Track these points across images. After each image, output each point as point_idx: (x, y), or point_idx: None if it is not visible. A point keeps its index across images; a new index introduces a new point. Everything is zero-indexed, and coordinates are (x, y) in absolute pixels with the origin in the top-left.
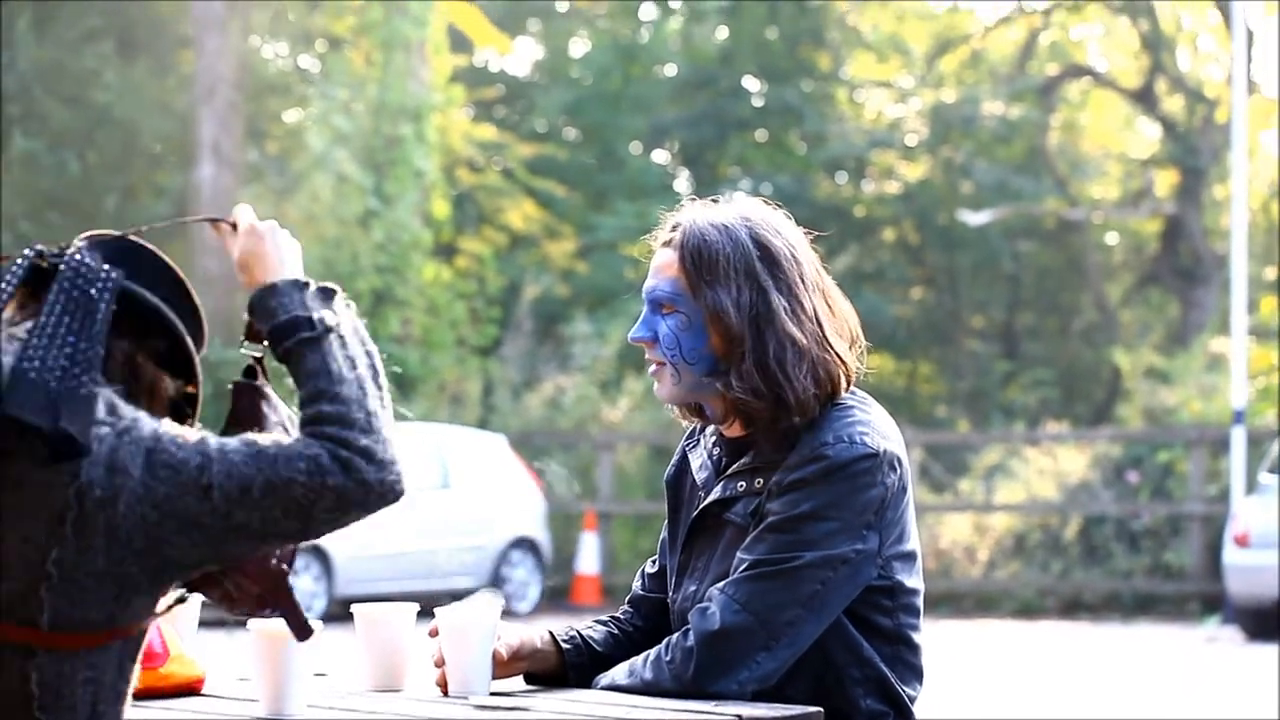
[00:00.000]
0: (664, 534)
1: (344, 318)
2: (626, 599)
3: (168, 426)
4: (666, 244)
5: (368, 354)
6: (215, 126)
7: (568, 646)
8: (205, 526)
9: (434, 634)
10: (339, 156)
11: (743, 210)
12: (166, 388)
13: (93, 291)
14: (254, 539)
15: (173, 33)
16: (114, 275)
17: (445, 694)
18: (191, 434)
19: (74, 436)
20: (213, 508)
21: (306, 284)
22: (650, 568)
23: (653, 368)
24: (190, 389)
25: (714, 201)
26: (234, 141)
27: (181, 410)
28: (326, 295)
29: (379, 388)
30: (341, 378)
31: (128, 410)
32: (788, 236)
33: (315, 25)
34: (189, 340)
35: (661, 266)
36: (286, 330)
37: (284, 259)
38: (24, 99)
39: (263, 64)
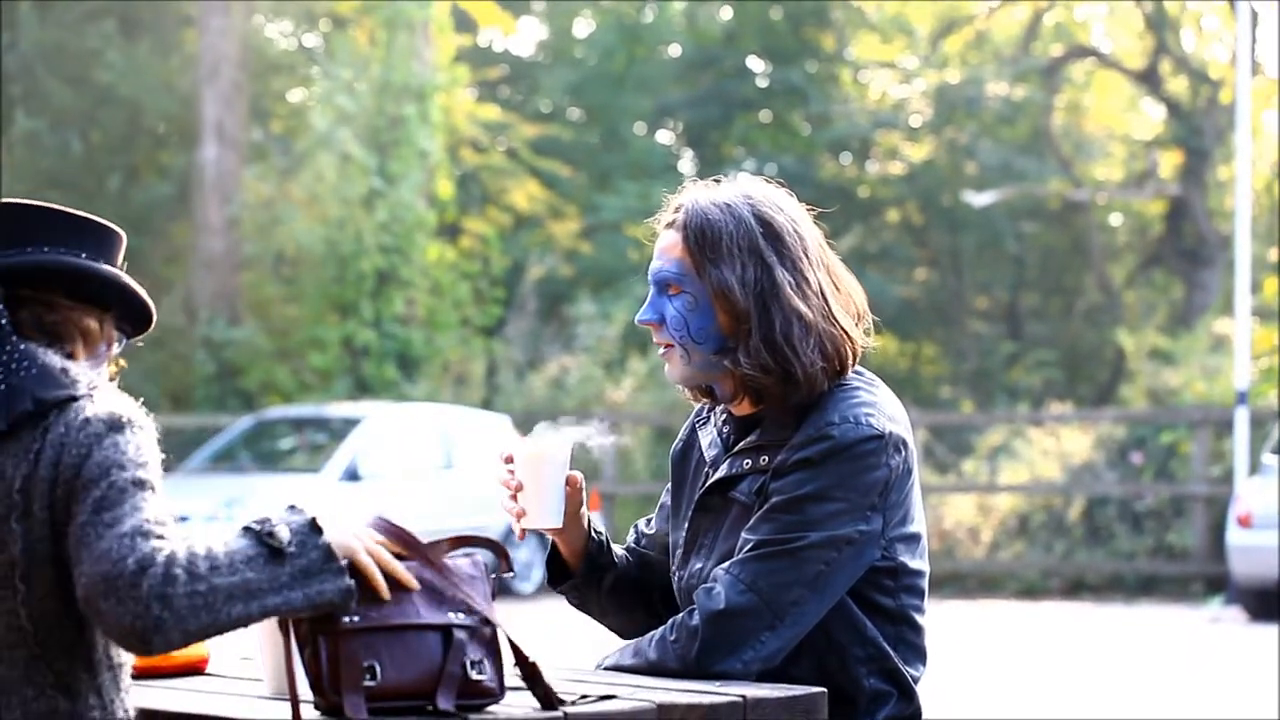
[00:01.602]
0: (664, 499)
1: (291, 558)
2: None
3: (146, 441)
4: (670, 225)
5: (255, 600)
6: (219, 106)
7: (595, 539)
8: (75, 500)
9: (509, 461)
10: (343, 136)
11: (744, 189)
12: (91, 323)
13: None
14: (74, 550)
15: (176, 12)
16: None
17: (519, 522)
18: (153, 460)
19: (27, 411)
20: (87, 493)
21: (320, 535)
22: (644, 526)
23: (661, 350)
24: (110, 311)
25: (716, 182)
26: (237, 121)
27: (126, 332)
28: (313, 531)
29: (218, 614)
30: (232, 563)
31: (110, 400)
32: (790, 213)
33: (319, 5)
34: (88, 264)
35: (666, 248)
36: (261, 521)
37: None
38: (26, 78)
39: (266, 43)
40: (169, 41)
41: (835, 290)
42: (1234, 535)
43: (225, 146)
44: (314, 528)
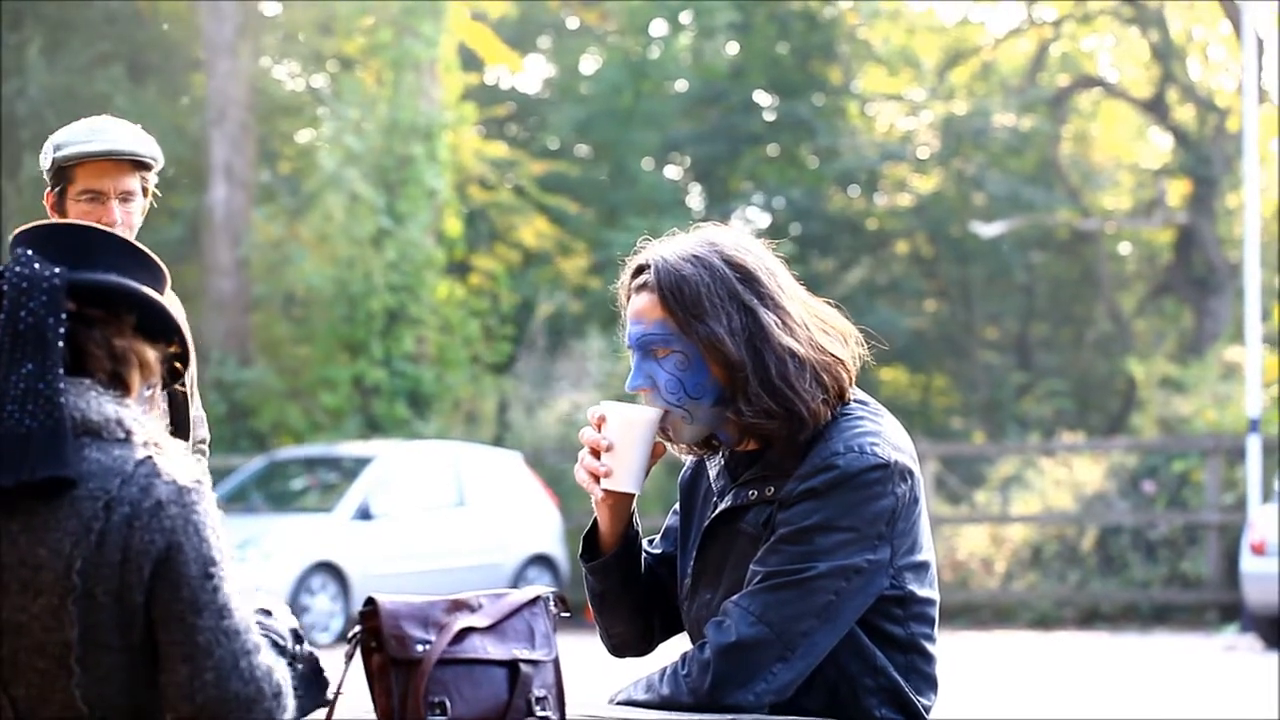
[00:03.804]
0: (670, 520)
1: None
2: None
3: (211, 506)
4: (641, 287)
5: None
6: (227, 148)
7: (634, 526)
8: (179, 596)
9: (599, 425)
10: (351, 176)
11: (706, 236)
12: (152, 356)
13: (34, 305)
14: (181, 649)
15: (184, 56)
16: (56, 277)
17: (598, 484)
18: (222, 530)
19: (54, 478)
20: (194, 591)
21: (303, 644)
22: (649, 547)
23: None
24: (174, 348)
25: (673, 234)
26: (246, 163)
27: (174, 370)
28: (297, 640)
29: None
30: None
31: (178, 463)
32: (756, 251)
33: (326, 46)
34: (157, 299)
35: (643, 311)
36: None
37: None
38: (35, 122)
39: (274, 85)
40: (177, 85)
41: (816, 318)
42: (1248, 563)
43: (234, 188)
44: (298, 636)
